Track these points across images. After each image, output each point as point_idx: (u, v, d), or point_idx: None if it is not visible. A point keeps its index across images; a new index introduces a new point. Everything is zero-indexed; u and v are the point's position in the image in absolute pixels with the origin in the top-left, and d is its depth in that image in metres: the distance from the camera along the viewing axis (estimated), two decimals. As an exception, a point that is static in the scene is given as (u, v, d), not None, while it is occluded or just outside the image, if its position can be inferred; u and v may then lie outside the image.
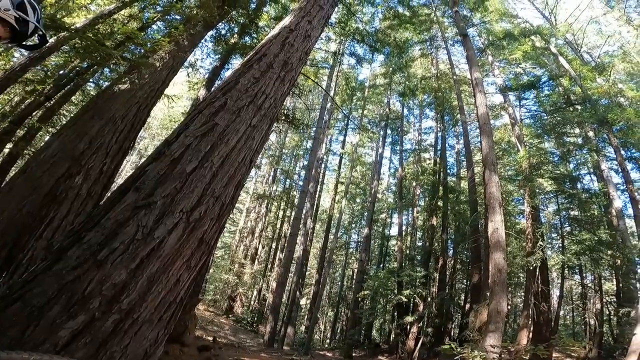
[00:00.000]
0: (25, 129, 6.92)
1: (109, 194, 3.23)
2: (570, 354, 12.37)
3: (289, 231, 15.93)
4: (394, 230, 22.74)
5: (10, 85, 6.74)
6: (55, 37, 5.95)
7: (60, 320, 1.89)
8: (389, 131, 22.16)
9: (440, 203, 17.00)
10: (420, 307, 14.57)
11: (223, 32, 9.82)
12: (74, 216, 3.71)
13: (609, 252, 11.10)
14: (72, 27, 5.66)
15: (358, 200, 25.66)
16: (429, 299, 14.93)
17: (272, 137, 23.17)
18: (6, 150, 6.90)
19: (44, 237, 3.45)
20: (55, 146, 3.92)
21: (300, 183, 20.35)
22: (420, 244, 19.32)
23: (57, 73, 7.57)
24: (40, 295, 1.95)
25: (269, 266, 23.03)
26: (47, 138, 6.60)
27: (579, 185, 14.06)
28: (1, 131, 6.28)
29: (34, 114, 7.20)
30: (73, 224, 3.67)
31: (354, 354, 15.32)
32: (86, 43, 5.14)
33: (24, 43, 1.32)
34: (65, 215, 3.64)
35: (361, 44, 13.84)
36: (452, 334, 15.18)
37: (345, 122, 23.27)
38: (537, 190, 12.69)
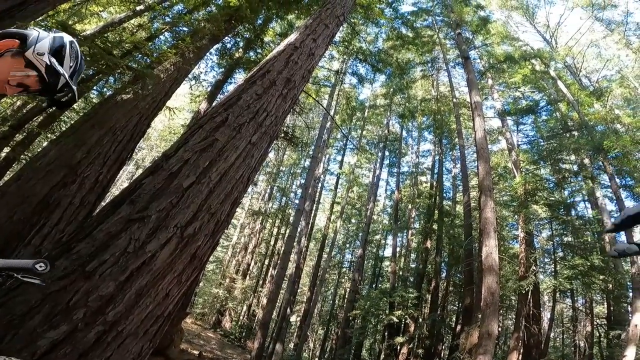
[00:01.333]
0: (25, 133, 6.90)
1: (103, 204, 3.21)
2: None
3: (283, 249, 15.77)
4: (388, 252, 22.68)
5: (14, 89, 6.74)
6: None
7: (40, 330, 1.87)
8: (387, 153, 22.25)
9: (435, 226, 17.00)
10: (412, 328, 14.40)
11: (228, 46, 9.86)
12: (65, 224, 3.67)
13: (601, 277, 11.10)
14: (82, 33, 5.73)
15: (353, 220, 25.55)
16: (421, 320, 14.77)
17: (271, 154, 23.23)
18: (3, 155, 6.86)
19: (32, 244, 3.40)
20: (52, 154, 3.89)
21: (297, 201, 20.24)
22: (413, 265, 19.20)
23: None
24: (22, 303, 1.92)
25: (261, 282, 22.72)
26: (45, 144, 6.59)
27: (573, 212, 14.14)
28: (0, 135, 6.26)
29: (34, 119, 7.19)
30: (64, 232, 3.62)
31: (342, 373, 14.99)
32: (94, 51, 5.20)
33: (53, 97, 1.15)
34: (57, 223, 3.59)
35: (364, 64, 14.05)
36: (442, 355, 14.96)
37: (344, 141, 23.31)
38: (532, 216, 12.75)
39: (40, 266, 1.03)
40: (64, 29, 5.04)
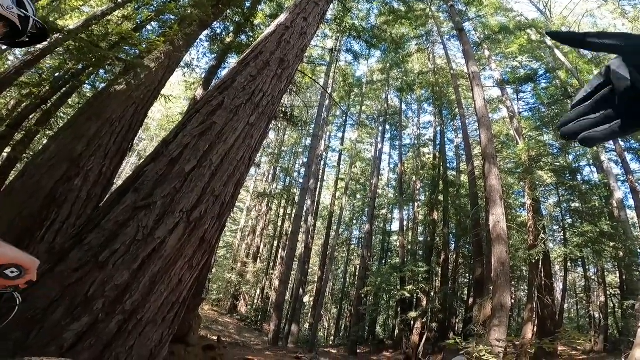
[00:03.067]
0: (23, 132, 6.90)
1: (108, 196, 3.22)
2: (576, 348, 12.33)
3: (291, 229, 15.93)
4: (395, 226, 22.83)
5: (6, 88, 6.70)
6: (49, 40, 5.92)
7: (64, 323, 1.90)
8: (387, 127, 22.16)
9: (440, 197, 17.01)
10: (424, 303, 14.54)
11: (218, 31, 9.74)
12: (75, 219, 3.71)
13: (611, 244, 11.07)
14: (66, 29, 5.62)
15: (358, 196, 25.68)
16: (432, 294, 14.91)
17: (271, 135, 23.18)
18: (4, 155, 6.89)
19: (46, 240, 3.44)
20: (52, 149, 3.90)
21: (300, 180, 20.34)
22: (422, 238, 19.31)
23: (53, 75, 7.53)
24: (43, 297, 1.94)
25: (272, 264, 23.06)
26: (45, 141, 6.59)
27: (579, 177, 14.08)
28: (-1, 136, 6.26)
29: (30, 117, 7.17)
30: (75, 226, 3.66)
31: (358, 350, 15.35)
32: (80, 44, 5.10)
33: (21, 40, 1.23)
34: (67, 218, 3.63)
35: (358, 40, 13.77)
36: (456, 328, 15.16)
37: (344, 118, 23.30)
38: (538, 183, 12.68)
39: (12, 272, 0.93)
40: (45, 25, 4.94)
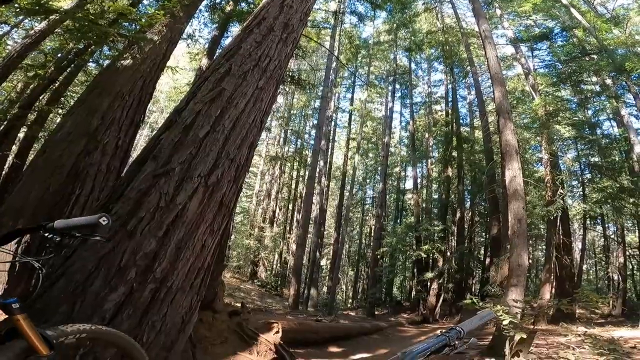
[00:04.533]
0: (36, 112, 7.00)
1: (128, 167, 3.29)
2: (594, 311, 12.38)
3: (305, 191, 16.10)
4: (409, 184, 22.76)
5: (11, 72, 6.72)
6: (47, 21, 5.85)
7: (103, 294, 1.97)
8: (397, 86, 21.54)
9: (454, 154, 16.80)
10: (440, 263, 14.61)
11: (217, 0, 9.51)
12: (98, 192, 3.84)
13: (631, 200, 10.81)
14: (61, 9, 5.53)
15: (371, 155, 25.60)
16: (448, 253, 15.00)
17: (280, 99, 22.92)
18: (21, 135, 7.05)
19: (74, 215, 3.57)
20: (69, 125, 3.98)
21: (312, 142, 20.30)
22: (436, 196, 19.29)
23: (56, 56, 7.51)
24: (80, 270, 2.01)
25: (288, 228, 23.55)
26: (58, 120, 6.69)
27: (598, 131, 13.60)
28: (13, 117, 6.37)
29: (40, 97, 7.25)
30: (99, 199, 3.78)
31: (376, 312, 15.80)
32: (80, 24, 5.04)
33: None
34: (90, 192, 3.77)
35: (362, 1, 13.18)
36: (473, 289, 15.33)
37: (352, 79, 22.85)
38: (555, 137, 12.31)
39: (104, 220, 1.05)
40: (40, 7, 4.87)
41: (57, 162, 3.67)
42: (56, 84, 7.30)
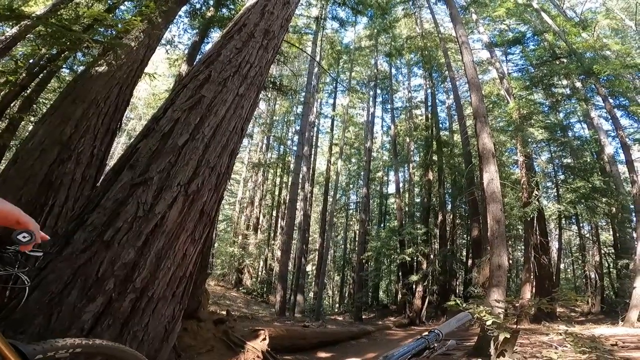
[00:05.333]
0: (7, 120, 6.75)
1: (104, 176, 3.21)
2: (574, 309, 12.70)
3: (288, 197, 16.05)
4: (391, 188, 23.05)
5: (-19, 79, 6.48)
6: (18, 27, 5.67)
7: (80, 304, 1.93)
8: (378, 91, 21.96)
9: (435, 157, 17.13)
10: (424, 265, 14.75)
11: (198, 6, 9.48)
12: (72, 202, 3.72)
13: (604, 199, 11.21)
14: (33, 15, 5.38)
15: (353, 160, 25.85)
16: (432, 256, 15.20)
17: (262, 105, 22.88)
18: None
19: (48, 226, 3.46)
20: (41, 133, 3.85)
21: (295, 148, 20.32)
22: (418, 200, 19.58)
23: (28, 62, 7.28)
24: (56, 281, 1.96)
25: (272, 235, 23.37)
26: (30, 128, 6.47)
27: (570, 134, 14.15)
28: (-18, 125, 6.12)
29: (12, 105, 7.00)
30: (73, 209, 3.67)
31: (363, 316, 15.81)
32: (52, 29, 4.90)
33: None
34: (65, 202, 3.64)
35: (343, 7, 13.38)
36: (457, 291, 15.49)
37: (334, 85, 23.04)
38: (529, 140, 12.74)
39: (24, 237, 0.99)
40: (11, 12, 4.73)
41: (29, 172, 3.53)
42: (28, 91, 7.06)
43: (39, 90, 7.30)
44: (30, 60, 7.24)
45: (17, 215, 0.84)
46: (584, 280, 16.19)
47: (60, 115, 4.00)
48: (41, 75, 7.29)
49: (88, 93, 4.33)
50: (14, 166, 3.63)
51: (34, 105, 7.29)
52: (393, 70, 21.92)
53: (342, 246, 26.96)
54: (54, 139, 3.79)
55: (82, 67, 6.32)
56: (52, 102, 5.67)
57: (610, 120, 12.36)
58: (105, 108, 4.34)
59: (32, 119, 7.26)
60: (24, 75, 7.03)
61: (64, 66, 7.54)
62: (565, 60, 12.53)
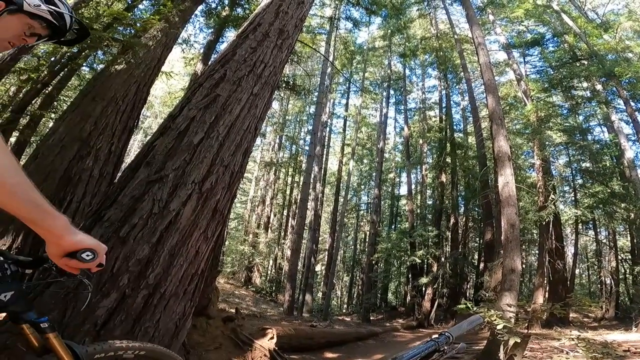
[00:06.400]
0: (28, 116, 6.96)
1: (121, 172, 3.27)
2: (587, 315, 12.42)
3: (299, 196, 16.09)
4: (403, 190, 22.90)
5: (4, 75, 6.68)
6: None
7: (95, 300, 1.95)
8: (392, 92, 21.81)
9: (448, 159, 16.93)
10: (434, 268, 14.61)
11: (213, 5, 9.59)
12: (90, 197, 3.81)
13: (623, 205, 10.95)
14: None
15: (365, 161, 25.75)
16: (443, 259, 15.02)
17: (275, 104, 22.98)
18: (13, 140, 6.98)
19: (65, 221, 3.52)
20: (61, 130, 3.96)
21: (307, 148, 20.39)
22: (430, 202, 19.40)
23: (49, 60, 7.48)
24: (72, 276, 1.99)
25: (282, 234, 23.45)
26: (50, 124, 6.66)
27: (589, 137, 13.79)
28: (5, 121, 6.32)
29: (33, 102, 7.20)
30: (91, 205, 3.75)
31: (371, 318, 15.74)
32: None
33: (63, 39, 1.25)
34: (82, 197, 3.73)
35: (357, 7, 13.35)
36: (467, 294, 15.33)
37: (347, 85, 23.01)
38: (547, 143, 12.47)
39: (87, 255, 0.93)
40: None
41: (49, 168, 3.64)
42: (49, 88, 7.26)
43: (60, 87, 7.49)
44: (52, 58, 7.44)
45: (86, 245, 0.88)
46: (598, 285, 15.84)
47: (80, 113, 4.11)
48: (62, 73, 7.48)
49: (107, 91, 4.43)
50: (35, 162, 3.75)
51: (55, 103, 7.49)
52: (407, 71, 21.76)
53: (352, 247, 26.89)
54: (73, 136, 3.89)
55: (101, 66, 6.46)
56: (72, 100, 5.82)
57: (632, 124, 12.02)
58: (123, 106, 4.44)
59: (52, 115, 7.47)
60: (45, 72, 7.23)
61: (84, 64, 7.72)
62: (585, 62, 12.24)
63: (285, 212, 24.76)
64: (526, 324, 3.66)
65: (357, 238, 26.35)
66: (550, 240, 10.94)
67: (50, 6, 1.13)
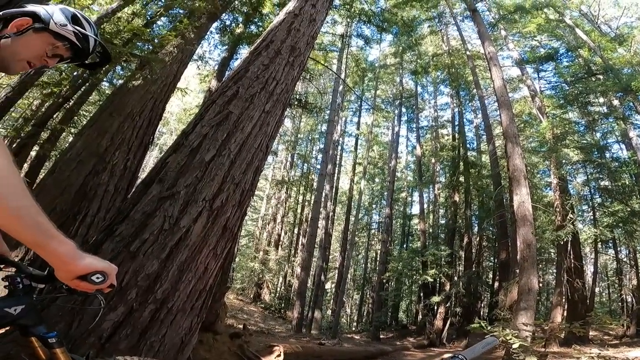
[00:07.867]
0: (49, 131, 7.17)
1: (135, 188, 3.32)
2: (608, 332, 11.93)
3: (310, 215, 16.03)
4: (415, 209, 22.61)
5: (28, 89, 6.95)
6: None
7: (101, 313, 1.96)
8: (403, 109, 21.81)
9: (461, 178, 16.68)
10: (447, 287, 14.35)
11: (228, 22, 9.86)
12: (104, 212, 3.87)
13: (643, 223, 10.60)
14: None
15: (377, 180, 25.57)
16: (456, 278, 14.71)
17: (287, 122, 23.22)
18: (33, 154, 7.19)
19: (79, 234, 3.60)
20: (79, 145, 4.08)
21: (318, 166, 20.41)
22: (443, 221, 19.05)
23: (72, 74, 7.75)
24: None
25: (293, 251, 23.32)
26: (70, 139, 6.86)
27: (607, 154, 13.40)
28: (26, 135, 6.53)
29: (54, 116, 7.43)
30: (105, 219, 3.81)
31: (381, 336, 15.40)
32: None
33: (86, 62, 1.22)
34: (97, 212, 3.81)
35: (368, 25, 13.52)
36: (481, 313, 14.92)
37: (359, 103, 23.08)
38: (564, 161, 12.19)
39: (97, 277, 0.91)
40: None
41: (66, 182, 3.73)
42: (70, 103, 7.50)
43: (81, 102, 7.74)
44: (74, 73, 7.71)
45: (96, 268, 0.87)
46: (619, 304, 15.22)
47: (98, 128, 4.22)
48: (83, 87, 7.73)
49: (124, 107, 4.55)
50: (52, 176, 3.85)
51: (75, 117, 7.72)
52: (419, 89, 21.78)
53: (363, 265, 26.51)
54: (91, 151, 4.00)
55: (120, 81, 6.66)
56: (91, 115, 5.99)
57: (651, 141, 11.70)
58: (139, 122, 4.55)
59: (72, 130, 7.70)
60: (67, 87, 7.49)
61: (104, 79, 7.97)
62: (601, 77, 12.03)
63: (296, 230, 24.68)
64: (543, 343, 3.50)
65: (367, 256, 25.99)
66: (569, 259, 10.62)
67: (76, 27, 1.10)
